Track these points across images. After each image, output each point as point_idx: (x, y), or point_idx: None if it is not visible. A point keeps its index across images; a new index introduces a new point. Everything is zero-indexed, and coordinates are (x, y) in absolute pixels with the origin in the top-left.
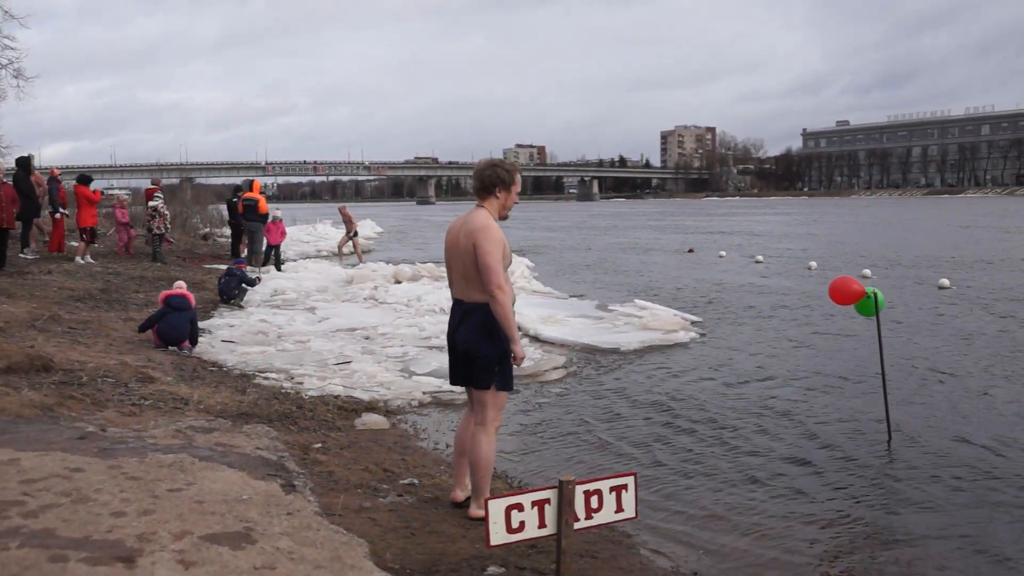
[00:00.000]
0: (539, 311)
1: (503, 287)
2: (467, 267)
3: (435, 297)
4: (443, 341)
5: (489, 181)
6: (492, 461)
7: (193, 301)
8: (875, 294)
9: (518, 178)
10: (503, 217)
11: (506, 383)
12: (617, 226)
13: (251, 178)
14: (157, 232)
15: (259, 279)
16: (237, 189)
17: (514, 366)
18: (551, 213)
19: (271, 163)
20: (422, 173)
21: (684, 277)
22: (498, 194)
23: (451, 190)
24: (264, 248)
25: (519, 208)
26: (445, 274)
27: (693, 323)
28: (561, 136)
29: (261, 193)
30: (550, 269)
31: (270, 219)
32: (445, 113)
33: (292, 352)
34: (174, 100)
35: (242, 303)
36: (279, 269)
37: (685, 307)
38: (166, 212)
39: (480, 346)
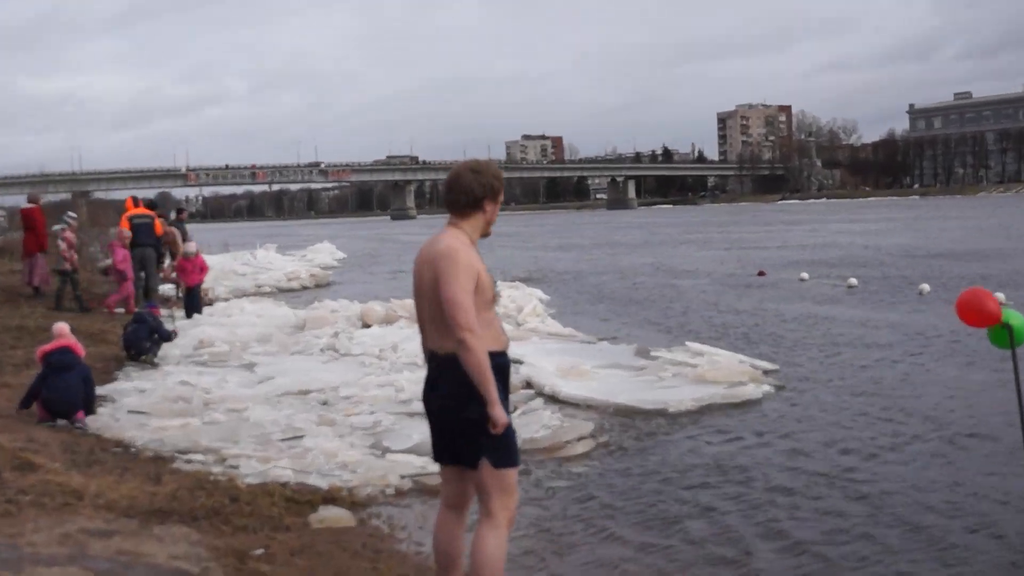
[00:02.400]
0: (557, 360)
1: (473, 329)
2: (436, 307)
3: (415, 345)
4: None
5: (478, 192)
6: (501, 570)
7: (82, 353)
8: (1012, 324)
9: (502, 188)
10: (485, 234)
11: (508, 456)
12: (657, 241)
13: (165, 190)
14: (66, 269)
15: (175, 332)
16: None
17: (541, 440)
18: (570, 226)
19: (195, 169)
20: (398, 178)
21: (752, 310)
22: (486, 208)
23: (437, 199)
24: (182, 292)
25: (523, 222)
26: None
27: (766, 372)
28: (584, 124)
29: (179, 215)
30: (570, 303)
31: (181, 254)
32: (428, 99)
33: (224, 424)
34: (65, 89)
35: (156, 359)
36: (189, 316)
37: (755, 351)
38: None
39: (463, 407)
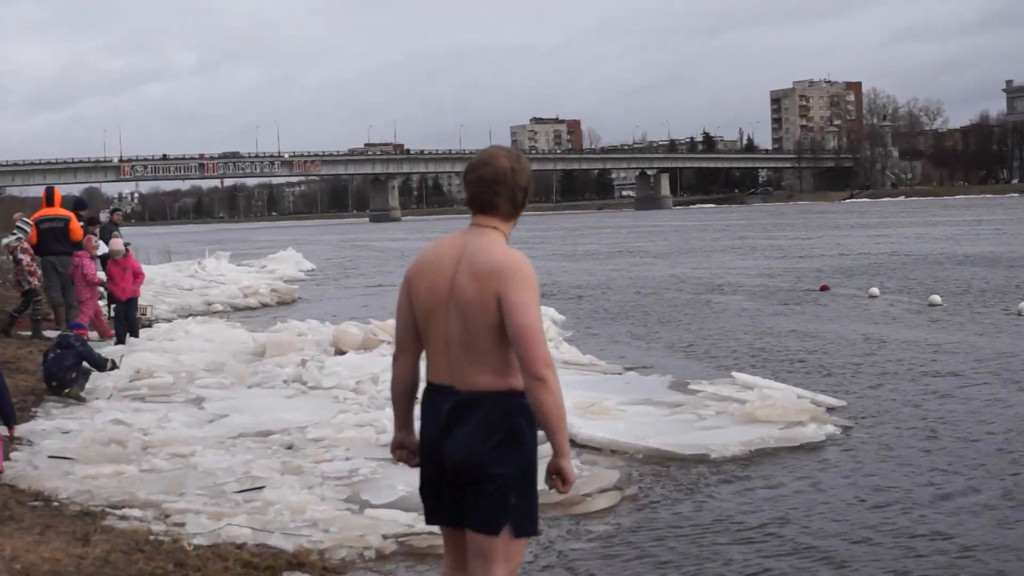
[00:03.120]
0: (574, 394)
1: (552, 364)
2: (473, 330)
3: None
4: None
5: (519, 189)
6: None
7: None
8: None
9: None
10: None
11: (530, 523)
12: (696, 248)
13: (93, 185)
14: (34, 287)
15: (113, 364)
16: (78, 204)
17: (553, 492)
18: (589, 230)
19: (130, 160)
20: (378, 171)
21: (812, 332)
22: (519, 207)
23: (426, 197)
24: (113, 309)
25: (532, 225)
26: None
27: (830, 410)
28: (607, 105)
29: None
30: (590, 324)
31: (110, 256)
32: (415, 76)
33: (166, 473)
34: None
35: (83, 393)
36: (124, 340)
37: (816, 383)
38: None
39: (494, 460)
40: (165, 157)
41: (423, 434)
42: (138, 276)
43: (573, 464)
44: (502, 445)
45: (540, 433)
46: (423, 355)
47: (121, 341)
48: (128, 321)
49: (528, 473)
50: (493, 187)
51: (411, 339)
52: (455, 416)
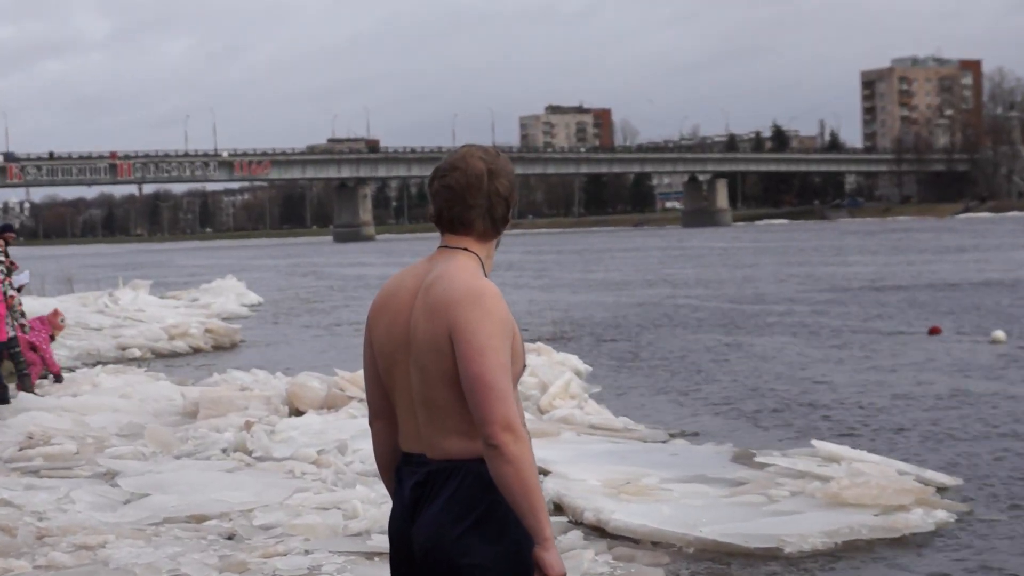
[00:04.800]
0: (604, 469)
1: (515, 426)
2: (430, 382)
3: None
4: (387, 540)
5: (498, 199)
6: None
7: None
8: None
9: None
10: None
11: None
12: (760, 275)
13: None
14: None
15: None
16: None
17: None
18: (619, 252)
19: (19, 159)
20: (345, 175)
21: (918, 388)
22: (500, 223)
23: (408, 209)
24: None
25: (548, 245)
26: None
27: (942, 490)
28: (646, 90)
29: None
30: (621, 376)
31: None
32: (394, 50)
33: (69, 571)
34: None
35: None
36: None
37: (923, 455)
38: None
39: (466, 547)
40: (66, 156)
41: (391, 514)
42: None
43: (605, 560)
44: (477, 528)
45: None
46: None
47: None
48: (18, 372)
49: (516, 565)
50: (464, 198)
51: (382, 398)
52: (423, 492)
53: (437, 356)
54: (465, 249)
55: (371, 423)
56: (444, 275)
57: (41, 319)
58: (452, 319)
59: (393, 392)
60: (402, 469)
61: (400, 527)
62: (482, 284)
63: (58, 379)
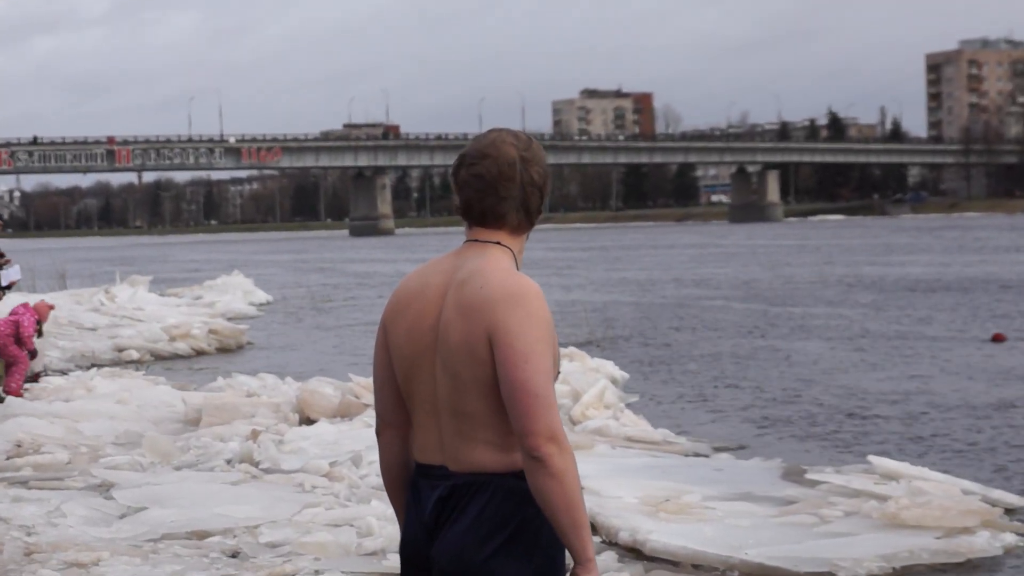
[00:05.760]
0: (642, 485)
1: (560, 437)
2: (461, 388)
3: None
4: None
5: (533, 188)
6: None
7: None
8: None
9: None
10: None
11: None
12: (818, 275)
13: None
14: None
15: None
16: None
17: None
18: (660, 250)
19: (8, 143)
20: (363, 163)
21: (983, 399)
22: (534, 214)
23: (431, 201)
24: None
25: (583, 241)
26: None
27: (1010, 511)
28: (689, 73)
29: None
30: (661, 384)
31: None
32: (416, 27)
33: None
34: None
35: None
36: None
37: (989, 473)
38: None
39: (496, 568)
40: (59, 141)
41: (404, 533)
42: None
43: None
44: (508, 547)
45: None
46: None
47: None
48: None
49: None
50: (496, 188)
51: (394, 406)
52: (446, 507)
53: (471, 361)
54: (498, 243)
55: (379, 433)
56: (478, 272)
57: (26, 305)
58: (491, 321)
59: (412, 399)
60: (419, 482)
61: (416, 545)
62: (524, 282)
63: (34, 378)
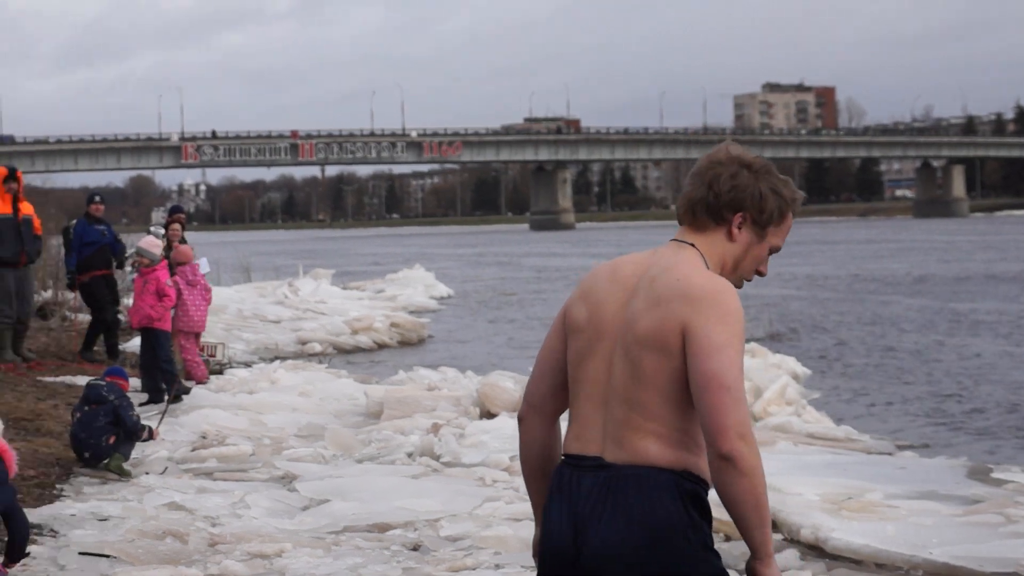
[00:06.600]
0: (825, 483)
1: (749, 435)
2: (643, 378)
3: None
4: None
5: (723, 196)
6: None
7: (13, 465)
8: None
9: (792, 209)
10: (738, 283)
11: None
12: (1006, 272)
13: (143, 171)
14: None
15: (148, 431)
16: (92, 198)
17: None
18: (841, 244)
19: (195, 138)
20: (543, 157)
21: None
22: (738, 227)
23: (611, 195)
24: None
25: None
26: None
27: None
28: (873, 66)
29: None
30: (843, 381)
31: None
32: (598, 22)
33: None
34: None
35: (127, 465)
36: (157, 393)
37: None
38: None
39: (658, 562)
40: (244, 135)
41: (547, 524)
42: (164, 298)
43: None
44: (671, 543)
45: None
46: (563, 417)
47: (151, 396)
48: (160, 366)
49: None
50: (707, 189)
51: (547, 391)
52: (599, 499)
53: (658, 354)
54: (692, 245)
55: (522, 417)
56: (674, 268)
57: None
58: (687, 313)
59: (578, 383)
60: (566, 472)
61: (562, 537)
62: (721, 281)
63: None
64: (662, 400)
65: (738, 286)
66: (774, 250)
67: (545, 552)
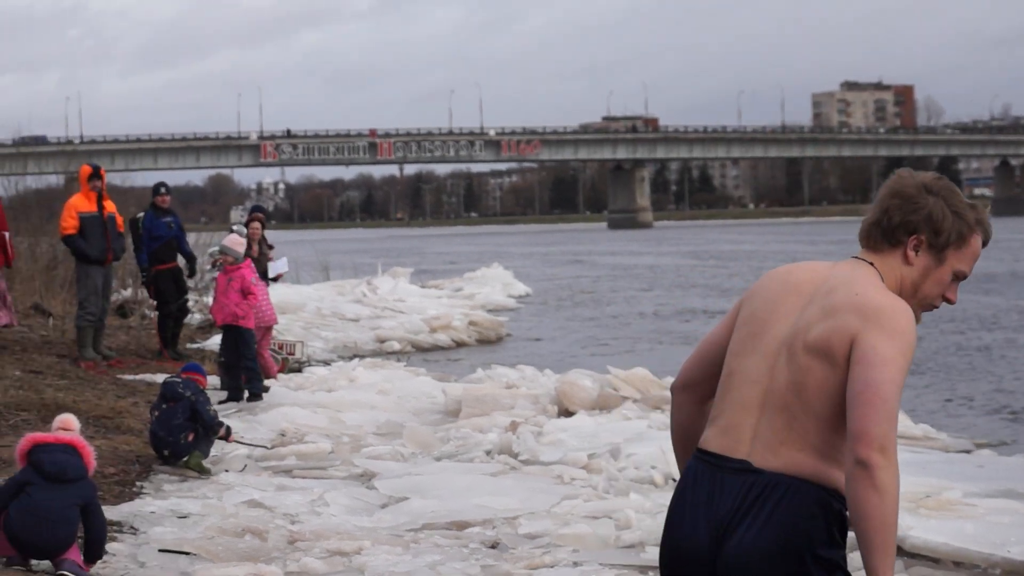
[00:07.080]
0: (904, 480)
1: (891, 451)
2: (806, 387)
3: (652, 447)
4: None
5: (896, 218)
6: None
7: (91, 460)
8: None
9: (978, 233)
10: (922, 308)
11: None
12: None
13: (222, 169)
14: None
15: (226, 429)
16: (158, 189)
17: None
18: None
19: (273, 136)
20: (621, 156)
21: None
22: (913, 250)
23: (689, 193)
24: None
25: (842, 232)
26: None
27: None
28: (952, 65)
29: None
30: (922, 379)
31: (216, 256)
32: (677, 22)
33: None
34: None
35: (206, 462)
36: (237, 393)
37: None
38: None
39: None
40: (323, 134)
41: (680, 524)
42: (249, 296)
43: None
44: (815, 562)
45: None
46: (708, 404)
47: (231, 394)
48: (245, 364)
49: None
50: (892, 209)
51: (702, 374)
52: (746, 504)
53: (824, 364)
54: (871, 264)
55: (675, 389)
56: (853, 283)
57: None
58: (859, 327)
59: (731, 376)
60: (704, 472)
61: (697, 541)
62: (898, 300)
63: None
64: (821, 411)
65: (923, 310)
66: (960, 276)
67: (673, 551)
